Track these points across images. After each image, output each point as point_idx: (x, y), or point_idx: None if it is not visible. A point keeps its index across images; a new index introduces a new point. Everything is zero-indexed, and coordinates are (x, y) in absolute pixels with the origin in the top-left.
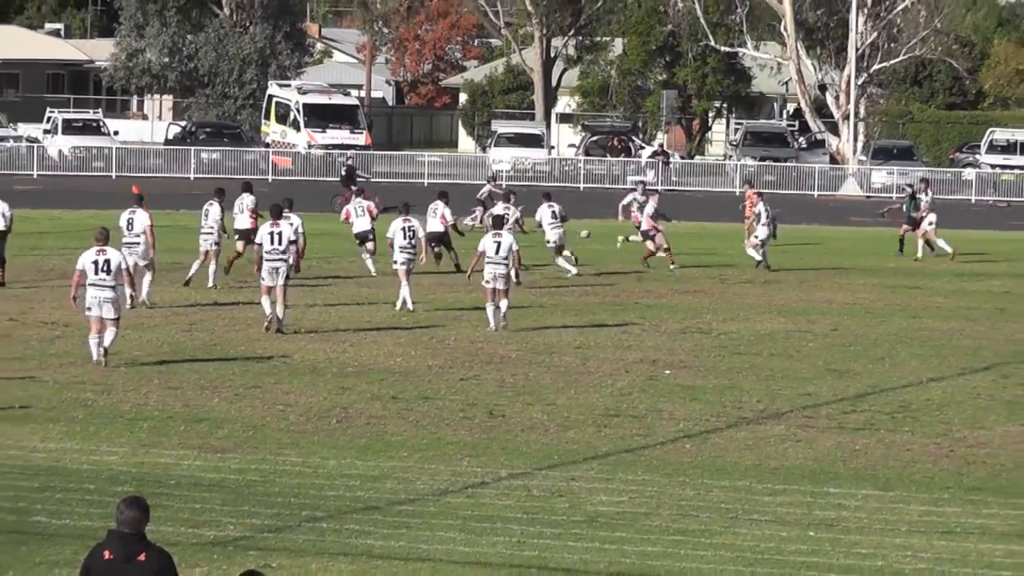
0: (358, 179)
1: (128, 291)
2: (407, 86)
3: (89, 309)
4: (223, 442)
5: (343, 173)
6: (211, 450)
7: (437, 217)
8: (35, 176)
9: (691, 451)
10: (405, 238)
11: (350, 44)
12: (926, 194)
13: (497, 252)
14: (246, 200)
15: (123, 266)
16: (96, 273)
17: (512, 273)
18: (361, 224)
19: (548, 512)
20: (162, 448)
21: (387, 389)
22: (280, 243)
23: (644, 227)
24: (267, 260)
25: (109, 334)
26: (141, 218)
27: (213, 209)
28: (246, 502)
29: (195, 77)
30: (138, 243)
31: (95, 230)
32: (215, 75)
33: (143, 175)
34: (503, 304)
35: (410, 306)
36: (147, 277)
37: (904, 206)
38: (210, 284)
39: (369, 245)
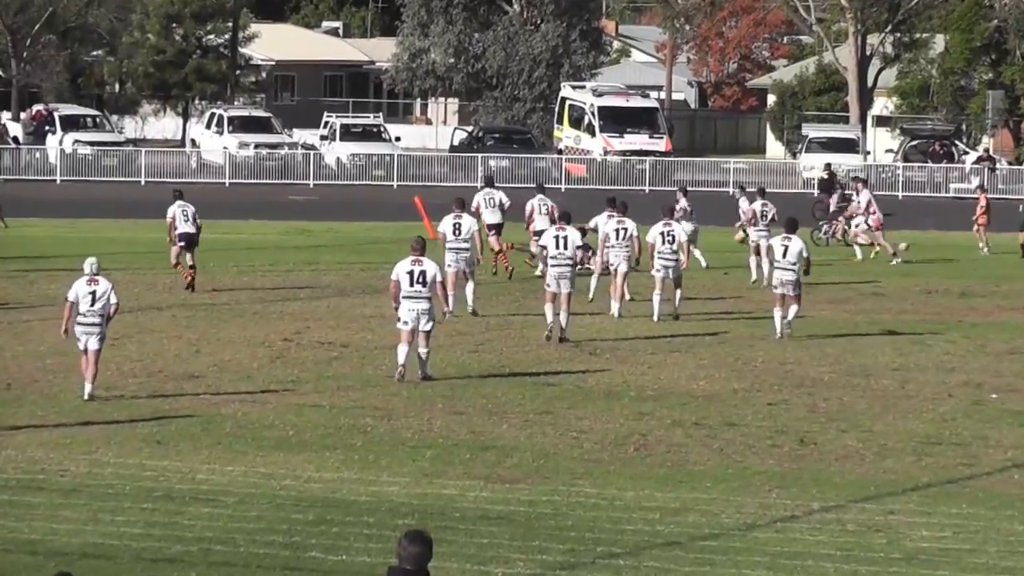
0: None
1: (445, 306)
2: (710, 87)
3: (405, 323)
4: (512, 472)
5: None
6: (499, 480)
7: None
8: (311, 186)
9: (1020, 482)
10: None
11: (649, 42)
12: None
13: (785, 256)
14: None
15: (438, 278)
16: (412, 284)
17: (797, 280)
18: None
19: (864, 548)
20: (446, 478)
21: (689, 414)
22: (566, 247)
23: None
24: (553, 266)
25: (422, 348)
26: (468, 223)
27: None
28: (536, 537)
29: (482, 78)
30: (466, 248)
31: (411, 239)
32: (504, 76)
33: (426, 184)
34: (791, 311)
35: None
36: (470, 286)
37: None
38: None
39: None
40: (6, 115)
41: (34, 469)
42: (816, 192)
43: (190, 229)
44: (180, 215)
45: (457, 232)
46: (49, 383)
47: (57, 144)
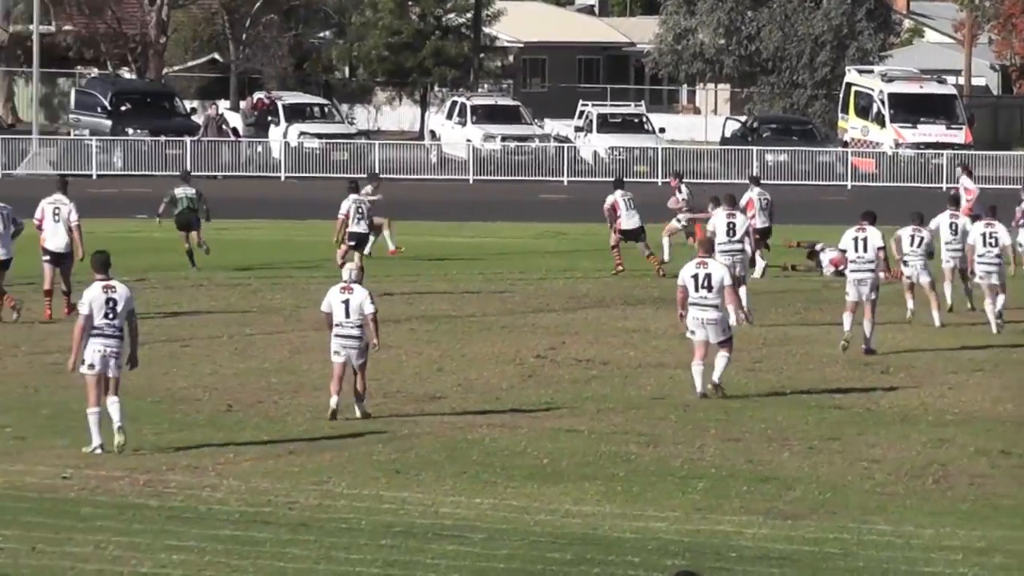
0: None
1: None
2: (1015, 71)
3: (693, 332)
4: (794, 506)
5: None
6: (780, 515)
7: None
8: (565, 183)
9: None
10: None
11: (945, 21)
12: None
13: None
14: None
15: (725, 282)
16: (697, 290)
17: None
18: None
19: None
20: (720, 513)
21: (995, 442)
22: (865, 250)
23: None
24: (852, 271)
25: (720, 360)
26: (742, 221)
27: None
28: None
29: (756, 62)
30: (740, 250)
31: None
32: (781, 59)
33: (694, 180)
34: (1000, 300)
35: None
36: (742, 290)
37: None
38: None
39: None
40: (224, 104)
41: (259, 501)
42: None
43: (362, 229)
44: (355, 212)
45: (732, 232)
46: (275, 404)
47: (281, 137)
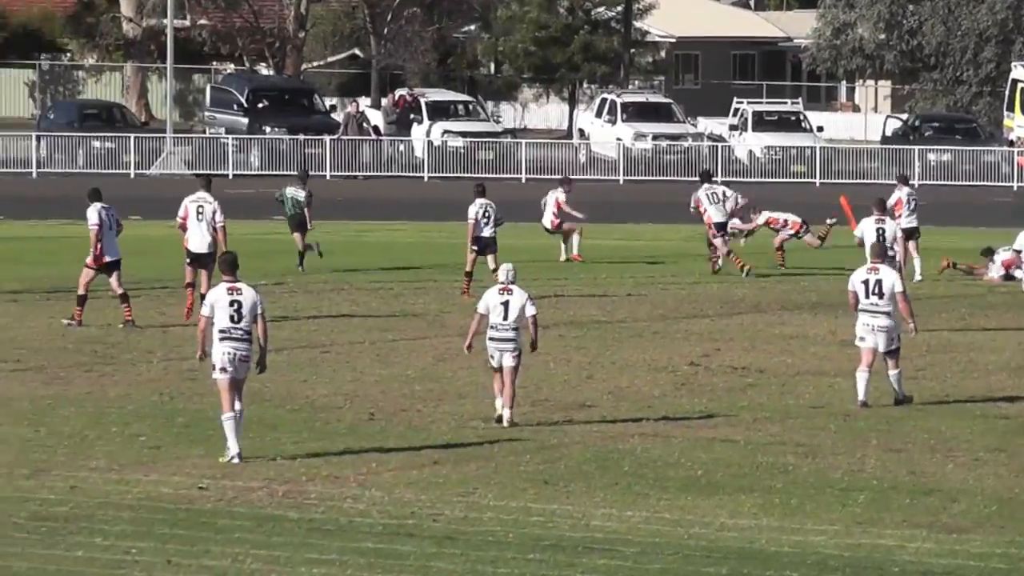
0: None
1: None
2: None
3: (862, 339)
4: (959, 520)
5: None
6: (944, 529)
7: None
8: (719, 183)
9: None
10: None
11: None
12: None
13: None
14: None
15: (896, 288)
16: (867, 296)
17: None
18: None
19: None
20: (882, 526)
21: None
22: None
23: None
24: None
25: (893, 378)
26: (891, 228)
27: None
28: None
29: (918, 57)
30: (891, 257)
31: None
32: (944, 55)
33: (853, 181)
34: None
35: None
36: None
37: None
38: None
39: None
40: (365, 102)
41: (403, 513)
42: None
43: (488, 233)
44: (482, 215)
45: (881, 238)
46: (418, 413)
47: (424, 135)
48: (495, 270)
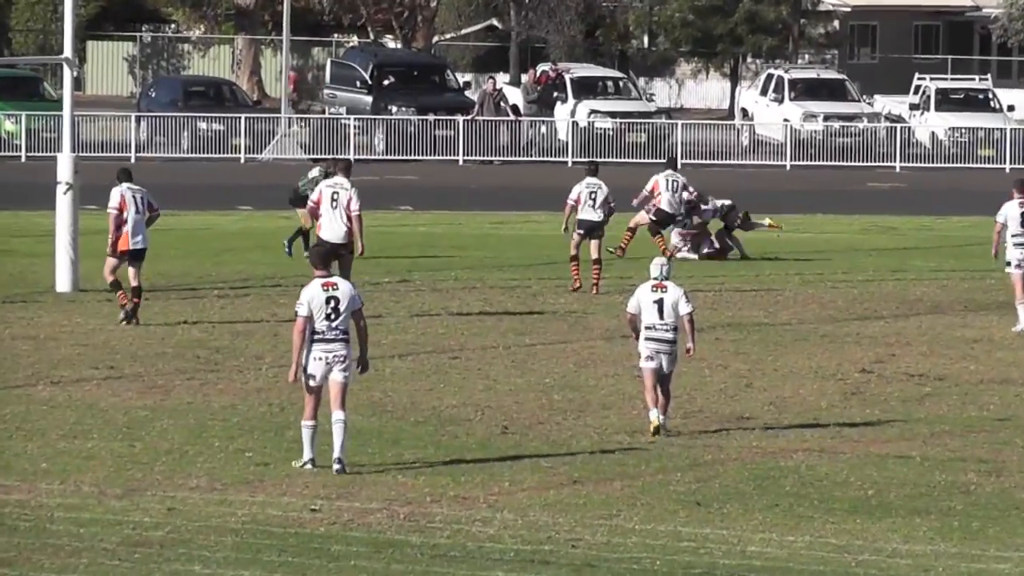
0: None
1: None
2: None
3: None
4: None
5: None
6: None
7: None
8: (897, 169)
9: None
10: None
11: None
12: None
13: None
14: None
15: None
16: None
17: None
18: None
19: None
20: None
21: None
22: None
23: None
24: None
25: None
26: None
27: None
28: None
29: None
30: None
31: None
32: None
33: None
34: None
35: None
36: None
37: None
38: None
39: None
40: (503, 78)
41: (538, 538)
42: None
43: (596, 217)
44: (587, 196)
45: None
46: (557, 426)
47: (568, 115)
48: (596, 260)
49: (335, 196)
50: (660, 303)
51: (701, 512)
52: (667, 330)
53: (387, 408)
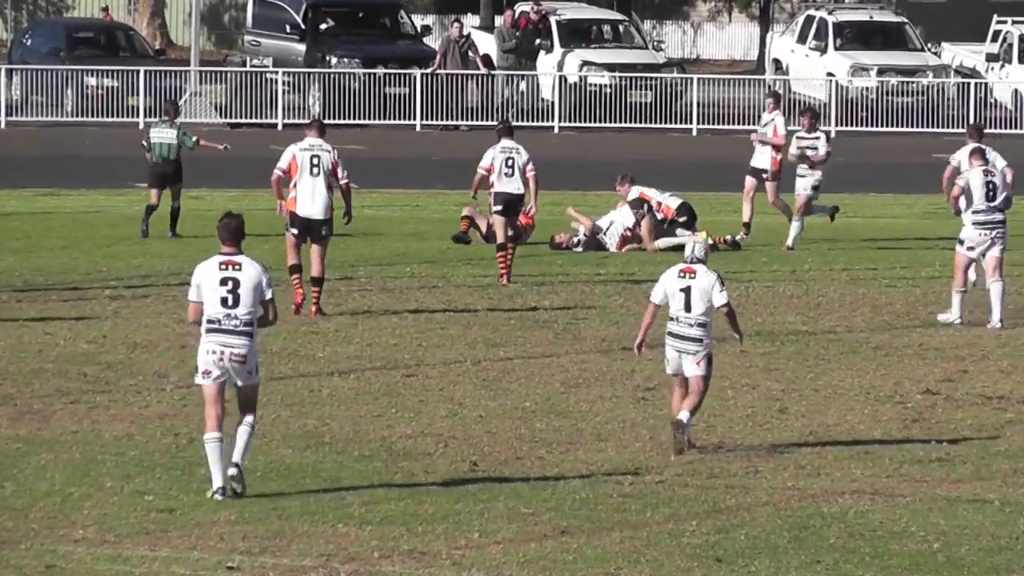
0: None
1: None
2: None
3: None
4: None
5: None
6: None
7: None
8: None
9: None
10: None
11: None
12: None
13: None
14: None
15: None
16: None
17: None
18: None
19: None
20: None
21: None
22: None
23: None
24: None
25: None
26: None
27: None
28: None
29: None
30: None
31: None
32: None
33: None
34: None
35: None
36: None
37: None
38: None
39: None
40: (472, 21)
41: None
42: None
43: (513, 189)
44: (502, 164)
45: None
46: (539, 461)
47: (554, 69)
48: (509, 239)
49: (315, 160)
50: (687, 291)
51: (722, 570)
52: (691, 325)
53: (324, 439)
